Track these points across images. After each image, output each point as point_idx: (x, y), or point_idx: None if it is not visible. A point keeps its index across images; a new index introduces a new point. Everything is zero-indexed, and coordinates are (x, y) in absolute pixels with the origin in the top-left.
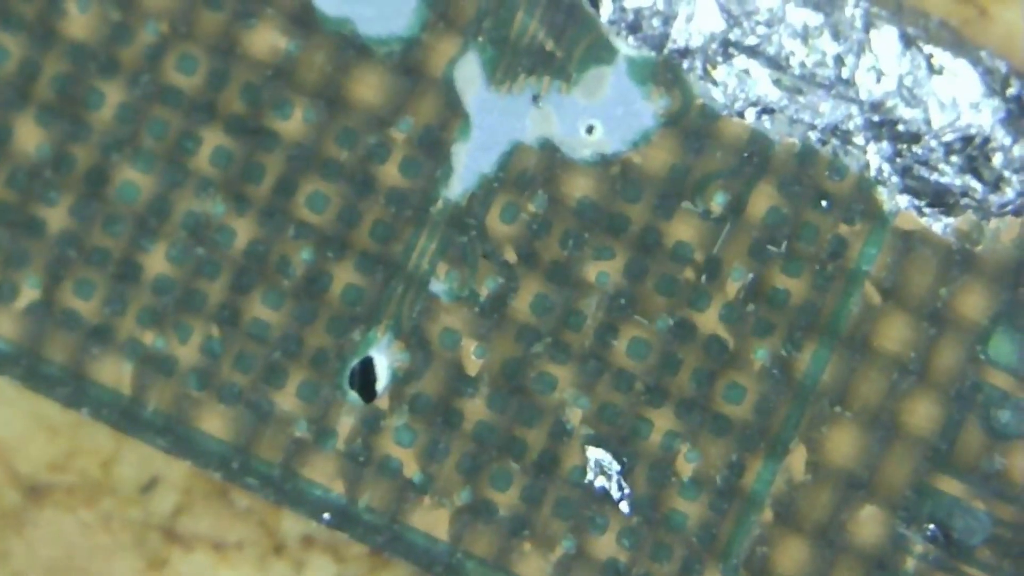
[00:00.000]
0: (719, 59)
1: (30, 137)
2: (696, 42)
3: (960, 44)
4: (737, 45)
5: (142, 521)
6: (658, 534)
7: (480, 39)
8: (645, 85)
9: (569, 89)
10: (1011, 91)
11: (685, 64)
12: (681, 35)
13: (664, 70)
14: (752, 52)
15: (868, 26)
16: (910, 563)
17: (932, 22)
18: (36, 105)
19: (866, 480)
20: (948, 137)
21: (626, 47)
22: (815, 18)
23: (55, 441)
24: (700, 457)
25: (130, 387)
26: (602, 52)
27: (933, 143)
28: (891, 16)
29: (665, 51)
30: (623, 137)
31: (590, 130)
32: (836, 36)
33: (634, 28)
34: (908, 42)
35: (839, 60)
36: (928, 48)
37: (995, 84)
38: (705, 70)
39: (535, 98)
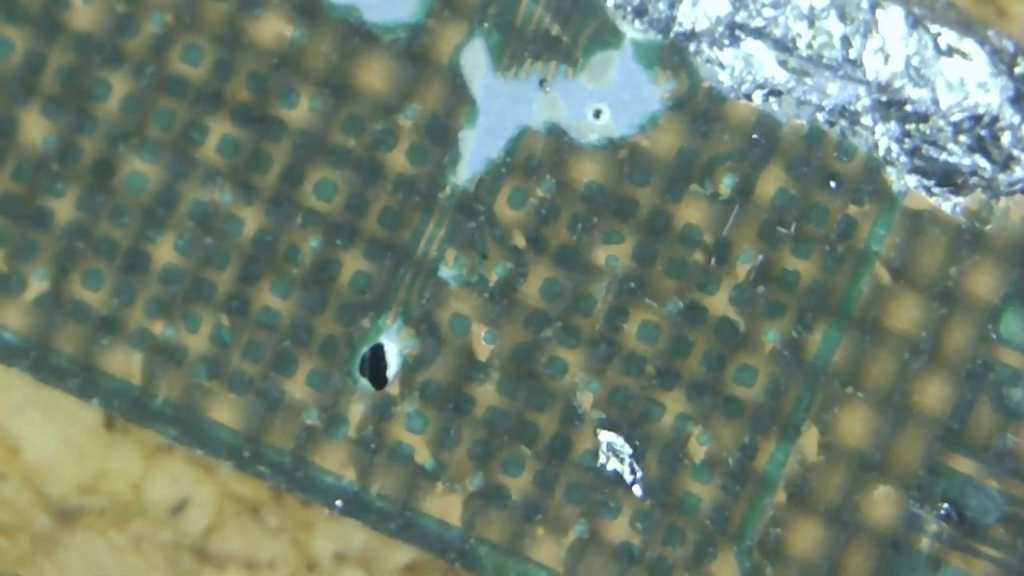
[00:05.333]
0: (726, 42)
1: (36, 129)
2: (702, 25)
3: (967, 24)
4: (743, 27)
5: (173, 542)
6: (671, 517)
7: (486, 25)
8: (652, 69)
9: (576, 74)
10: (1019, 70)
11: (692, 47)
12: (687, 18)
13: (671, 53)
14: (759, 34)
15: (875, 7)
16: (924, 542)
17: (939, 2)
18: (42, 97)
19: (879, 460)
20: (956, 117)
21: (632, 31)
22: None
23: (84, 464)
24: (712, 440)
25: (140, 377)
26: (608, 36)
27: (941, 123)
28: None
29: (672, 34)
30: (630, 121)
31: (597, 114)
32: (843, 17)
33: (640, 12)
34: (915, 22)
35: (846, 41)
36: (935, 28)
37: (1003, 63)
38: (712, 53)
39: (542, 83)
